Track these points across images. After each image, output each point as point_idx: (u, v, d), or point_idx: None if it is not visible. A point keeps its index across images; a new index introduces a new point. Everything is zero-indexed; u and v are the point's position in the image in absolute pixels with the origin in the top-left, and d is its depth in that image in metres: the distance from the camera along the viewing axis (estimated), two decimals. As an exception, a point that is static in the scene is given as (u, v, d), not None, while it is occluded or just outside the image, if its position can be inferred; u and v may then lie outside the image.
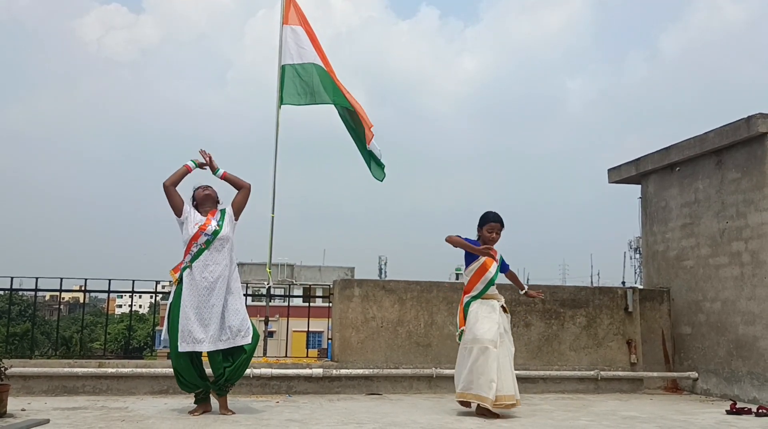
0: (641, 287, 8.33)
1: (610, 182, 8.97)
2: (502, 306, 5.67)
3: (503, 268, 5.84)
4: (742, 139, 6.85)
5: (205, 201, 5.42)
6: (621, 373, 7.44)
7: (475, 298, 5.62)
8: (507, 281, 6.07)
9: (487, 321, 5.49)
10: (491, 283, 5.64)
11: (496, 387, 5.26)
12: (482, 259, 5.61)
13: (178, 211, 5.31)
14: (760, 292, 6.63)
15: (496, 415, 5.31)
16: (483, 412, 5.36)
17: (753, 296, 6.72)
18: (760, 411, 5.87)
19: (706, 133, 7.32)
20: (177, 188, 5.36)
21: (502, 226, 5.69)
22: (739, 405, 6.09)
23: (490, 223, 5.66)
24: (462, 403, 5.64)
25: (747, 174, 6.88)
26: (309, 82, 7.78)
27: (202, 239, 5.21)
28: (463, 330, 5.61)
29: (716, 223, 7.26)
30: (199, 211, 5.41)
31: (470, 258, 5.67)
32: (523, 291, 6.12)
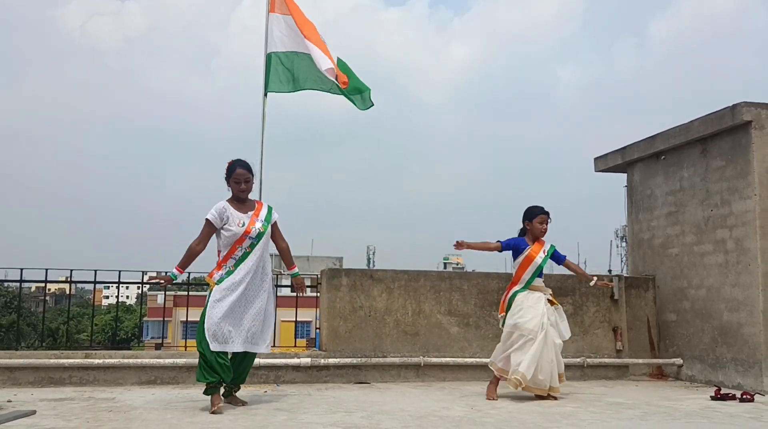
0: (627, 275, 8.37)
1: (596, 171, 8.99)
2: (549, 298, 5.89)
3: (558, 259, 6.04)
4: (727, 127, 6.89)
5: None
6: (607, 360, 7.50)
7: (522, 289, 5.84)
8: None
9: (531, 310, 5.71)
10: (538, 273, 5.87)
11: (533, 372, 5.54)
12: (528, 249, 5.85)
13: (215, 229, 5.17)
14: (744, 279, 6.69)
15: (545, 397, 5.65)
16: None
17: (737, 283, 6.78)
18: (744, 396, 5.93)
19: (691, 121, 7.35)
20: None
21: (549, 216, 5.98)
22: (723, 391, 6.14)
23: (541, 214, 5.95)
24: (497, 378, 5.81)
25: (731, 162, 6.92)
26: (292, 70, 7.74)
27: (247, 243, 5.13)
28: (504, 316, 5.85)
29: (701, 211, 7.31)
30: (236, 203, 5.22)
31: (516, 251, 5.90)
32: (592, 282, 6.29)
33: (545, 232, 5.98)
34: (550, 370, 5.63)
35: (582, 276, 6.48)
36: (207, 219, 5.13)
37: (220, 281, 5.02)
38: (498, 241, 6.00)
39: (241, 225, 5.10)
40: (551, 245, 6.02)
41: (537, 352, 5.56)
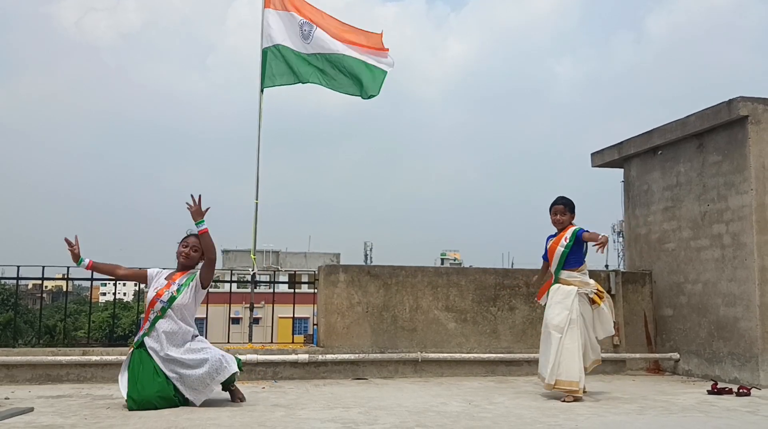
0: (624, 270, 8.39)
1: (593, 166, 9.00)
2: (590, 296, 5.77)
3: (581, 237, 5.77)
4: (723, 122, 6.90)
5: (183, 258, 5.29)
6: (604, 355, 7.47)
7: (554, 283, 5.84)
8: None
9: (558, 306, 5.66)
10: (562, 264, 5.77)
11: (553, 370, 5.51)
12: (551, 240, 5.86)
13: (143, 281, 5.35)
14: (740, 273, 6.71)
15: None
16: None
17: (734, 278, 6.80)
18: (741, 391, 5.94)
19: (687, 116, 7.36)
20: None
21: (565, 206, 5.90)
22: (720, 385, 6.16)
23: (552, 208, 5.94)
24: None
25: (728, 157, 6.94)
26: (289, 63, 7.73)
27: (158, 306, 5.05)
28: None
29: (697, 206, 7.32)
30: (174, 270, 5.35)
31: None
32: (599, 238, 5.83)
33: (560, 223, 5.87)
34: (579, 367, 5.50)
35: (590, 239, 5.71)
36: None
37: (137, 343, 5.04)
38: (542, 260, 6.04)
39: (154, 289, 5.14)
40: (573, 230, 5.77)
41: (556, 349, 5.52)
